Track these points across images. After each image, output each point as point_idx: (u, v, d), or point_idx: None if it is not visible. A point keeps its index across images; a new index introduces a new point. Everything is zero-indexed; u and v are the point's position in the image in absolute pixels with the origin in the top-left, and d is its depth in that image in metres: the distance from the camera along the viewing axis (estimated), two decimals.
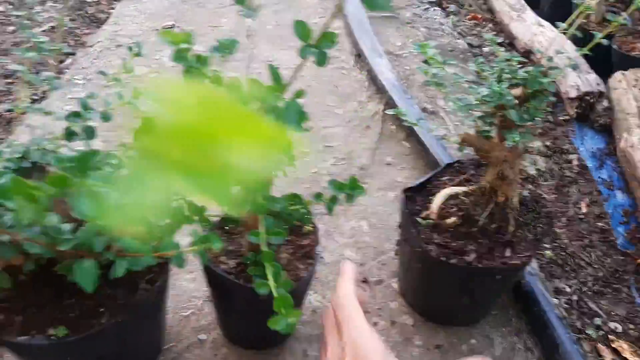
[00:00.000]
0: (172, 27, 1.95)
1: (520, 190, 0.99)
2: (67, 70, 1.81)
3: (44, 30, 2.09)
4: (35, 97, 1.70)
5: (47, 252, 0.56)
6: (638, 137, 1.51)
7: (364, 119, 1.69)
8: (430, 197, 0.99)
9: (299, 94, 0.67)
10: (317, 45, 0.64)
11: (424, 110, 1.72)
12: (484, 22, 2.29)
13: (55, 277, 0.63)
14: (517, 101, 0.83)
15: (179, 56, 0.58)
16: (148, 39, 1.90)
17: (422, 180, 1.04)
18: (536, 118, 0.83)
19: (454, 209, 0.97)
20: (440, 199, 0.96)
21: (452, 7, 2.38)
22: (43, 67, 1.84)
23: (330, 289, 1.16)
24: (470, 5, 2.40)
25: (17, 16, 2.10)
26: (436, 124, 1.67)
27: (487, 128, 0.90)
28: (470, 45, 2.08)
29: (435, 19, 2.22)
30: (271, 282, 0.60)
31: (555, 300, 1.19)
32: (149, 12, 2.08)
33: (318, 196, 0.72)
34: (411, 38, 2.06)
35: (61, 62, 1.89)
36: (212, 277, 0.80)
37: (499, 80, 0.82)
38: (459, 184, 1.01)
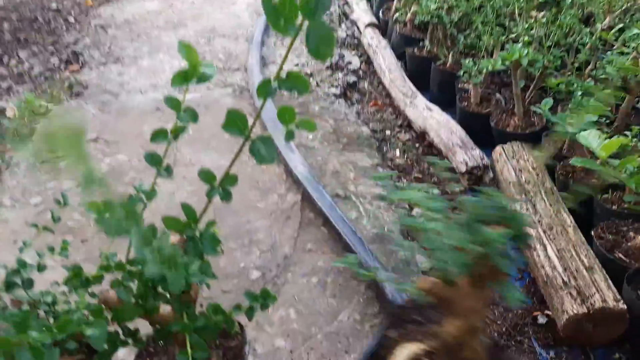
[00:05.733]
0: (96, 139, 2.05)
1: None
2: None
3: None
4: None
5: None
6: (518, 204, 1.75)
7: (284, 210, 1.84)
8: None
9: (210, 224, 0.80)
10: (221, 185, 0.78)
11: (337, 195, 1.90)
12: (384, 108, 2.57)
13: None
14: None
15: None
16: None
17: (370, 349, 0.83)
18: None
19: None
20: None
21: (356, 96, 2.65)
22: None
23: None
24: (372, 93, 2.69)
25: None
26: (349, 207, 1.85)
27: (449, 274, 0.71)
28: (373, 131, 2.34)
29: (340, 110, 2.47)
30: None
31: None
32: None
33: (238, 307, 0.83)
34: (321, 130, 2.28)
35: None
36: None
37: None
38: (410, 338, 0.83)
